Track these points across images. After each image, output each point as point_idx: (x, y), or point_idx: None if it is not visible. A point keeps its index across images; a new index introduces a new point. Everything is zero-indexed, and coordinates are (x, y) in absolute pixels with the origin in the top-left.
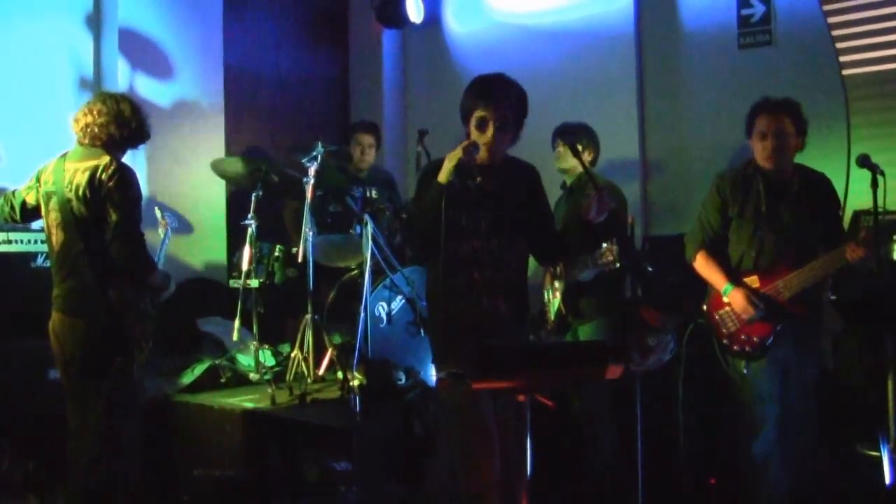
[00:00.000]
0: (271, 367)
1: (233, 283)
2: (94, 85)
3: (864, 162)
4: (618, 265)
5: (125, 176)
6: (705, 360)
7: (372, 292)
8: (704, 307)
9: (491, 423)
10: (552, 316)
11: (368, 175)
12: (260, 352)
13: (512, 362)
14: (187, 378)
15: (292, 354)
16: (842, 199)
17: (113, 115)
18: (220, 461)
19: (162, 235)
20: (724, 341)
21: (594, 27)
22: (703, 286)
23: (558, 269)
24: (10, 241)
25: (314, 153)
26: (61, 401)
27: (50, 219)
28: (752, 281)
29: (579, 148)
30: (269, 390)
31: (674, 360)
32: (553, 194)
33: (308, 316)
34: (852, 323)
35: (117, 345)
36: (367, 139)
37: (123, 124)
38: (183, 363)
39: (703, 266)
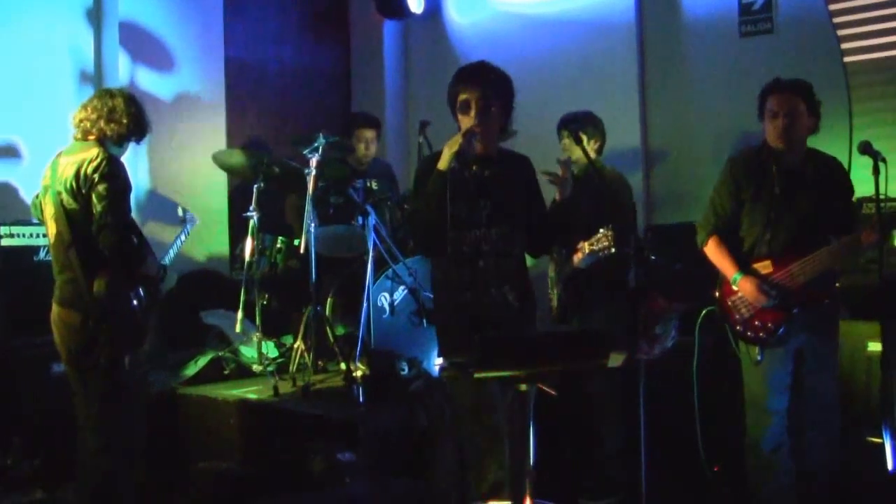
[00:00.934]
0: (274, 359)
1: (235, 275)
2: (96, 79)
3: (866, 149)
4: (613, 251)
5: (110, 168)
6: (716, 347)
7: (374, 283)
8: (717, 293)
9: (500, 422)
10: (555, 304)
11: (369, 168)
12: (263, 343)
13: (513, 352)
14: (191, 370)
15: (295, 346)
16: None
17: (106, 110)
18: (223, 453)
19: (178, 233)
20: (738, 328)
21: (595, 16)
22: (706, 274)
23: (561, 256)
24: (12, 235)
25: (316, 145)
26: (67, 394)
27: (46, 212)
28: (766, 266)
29: (584, 137)
30: (273, 381)
31: (687, 347)
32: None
33: (311, 307)
34: (857, 312)
35: (106, 337)
36: (369, 133)
37: (114, 119)
38: (186, 355)
39: (714, 252)
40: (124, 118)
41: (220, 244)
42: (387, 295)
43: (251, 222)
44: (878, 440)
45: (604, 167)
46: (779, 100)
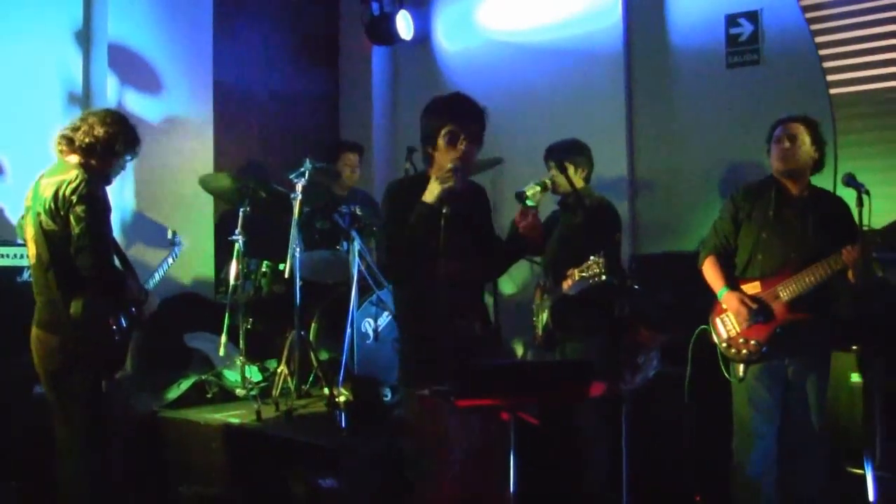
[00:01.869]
0: (258, 383)
1: (220, 299)
2: (84, 100)
3: (850, 181)
4: (604, 278)
5: (88, 189)
6: (711, 369)
7: (359, 308)
8: (711, 315)
9: (458, 459)
10: (540, 331)
11: (348, 194)
12: (246, 367)
13: (496, 381)
14: (173, 393)
15: (278, 370)
16: None
17: (85, 126)
18: (205, 477)
19: (165, 256)
20: (723, 345)
21: (584, 45)
22: (692, 304)
23: (548, 284)
24: None
25: (302, 169)
26: (48, 417)
27: (27, 234)
28: (754, 286)
29: (570, 166)
30: (256, 406)
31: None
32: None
33: (295, 332)
34: (841, 342)
35: (85, 360)
36: (353, 157)
37: (93, 135)
38: (169, 378)
39: (708, 269)
40: (103, 133)
41: (205, 267)
42: (371, 321)
43: (236, 246)
44: (860, 471)
45: (592, 195)
46: (784, 127)
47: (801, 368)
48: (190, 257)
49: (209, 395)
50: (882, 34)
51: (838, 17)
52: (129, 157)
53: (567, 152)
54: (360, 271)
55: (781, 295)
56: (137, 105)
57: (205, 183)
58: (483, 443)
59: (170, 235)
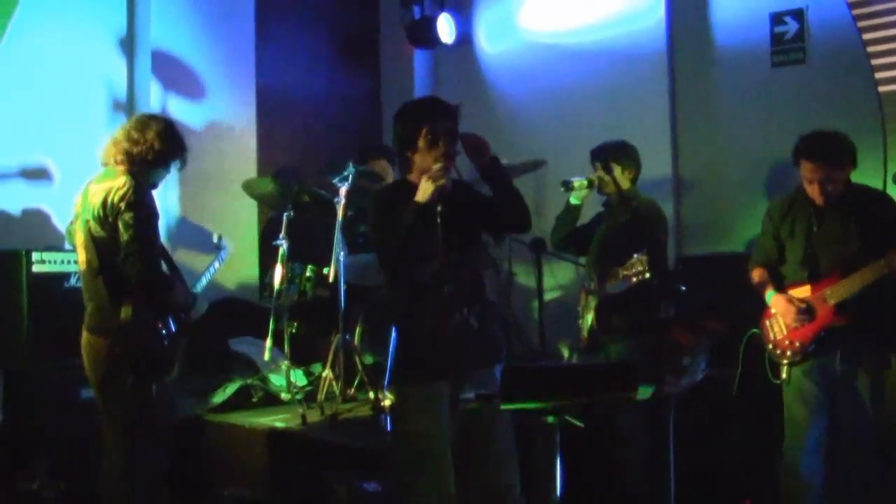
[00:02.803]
0: (303, 387)
1: (265, 303)
2: (128, 107)
3: None
4: (647, 276)
5: (136, 196)
6: (761, 373)
7: None
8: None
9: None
10: (585, 333)
11: None
12: (291, 371)
13: (541, 383)
14: (219, 397)
15: (323, 374)
16: None
17: (134, 134)
18: (250, 481)
19: (212, 260)
20: (770, 346)
21: (626, 46)
22: (737, 305)
23: (593, 285)
24: (44, 262)
25: (345, 173)
26: (94, 419)
27: (77, 240)
28: (804, 290)
29: (616, 167)
30: (301, 410)
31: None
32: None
33: (339, 336)
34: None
35: (133, 364)
36: (382, 164)
37: (139, 142)
38: (215, 383)
39: (757, 279)
40: (150, 139)
41: (249, 272)
42: None
43: (281, 250)
44: None
45: (639, 196)
46: (812, 167)
47: (850, 368)
48: (235, 262)
49: (254, 400)
50: None
51: (886, 12)
52: (179, 167)
53: (613, 153)
54: None
55: (829, 298)
56: (181, 111)
57: (248, 188)
58: (478, 439)
59: (216, 239)
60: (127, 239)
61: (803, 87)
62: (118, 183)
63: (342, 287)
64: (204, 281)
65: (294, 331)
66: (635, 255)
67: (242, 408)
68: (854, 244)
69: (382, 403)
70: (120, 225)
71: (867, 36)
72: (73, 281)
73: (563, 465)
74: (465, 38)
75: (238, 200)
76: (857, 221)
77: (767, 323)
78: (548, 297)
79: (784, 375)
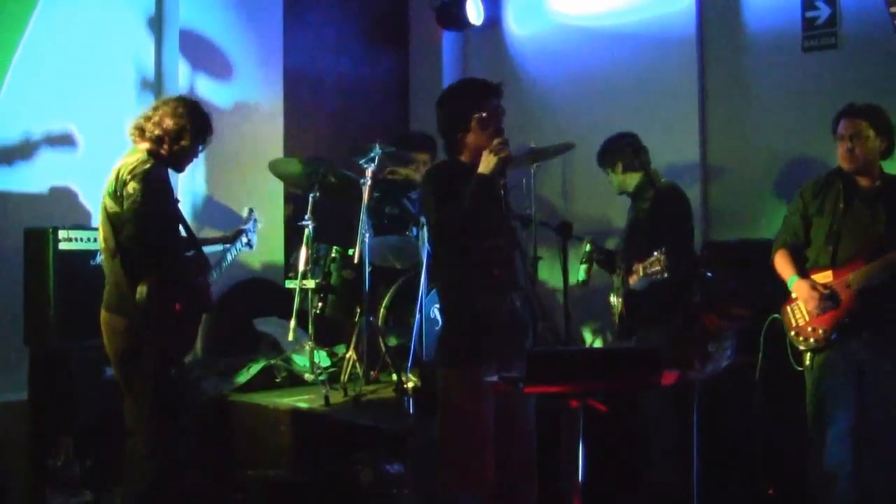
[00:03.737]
0: (326, 368)
1: (289, 284)
2: (156, 86)
3: None
4: (666, 275)
5: (143, 169)
6: (783, 359)
7: (427, 294)
8: (783, 305)
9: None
10: (616, 319)
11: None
12: (315, 352)
13: (565, 367)
14: (243, 377)
15: (347, 355)
16: None
17: (155, 118)
18: (273, 461)
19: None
20: (792, 333)
21: (656, 29)
22: (763, 292)
23: (621, 270)
24: (70, 239)
25: (371, 154)
26: (118, 398)
27: (100, 218)
28: (826, 276)
29: (618, 163)
30: (324, 391)
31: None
32: (619, 203)
33: (363, 317)
34: None
35: (151, 343)
36: (424, 157)
37: (150, 120)
38: (239, 363)
39: (779, 262)
40: (171, 125)
41: (275, 253)
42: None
43: (306, 231)
44: None
45: (660, 179)
46: (846, 123)
47: (873, 357)
48: (260, 242)
49: (278, 380)
50: None
51: None
52: (200, 147)
53: (610, 154)
54: (429, 256)
55: (852, 284)
56: (208, 91)
57: (275, 168)
58: (519, 427)
59: (245, 213)
60: (127, 205)
61: (835, 73)
62: (133, 159)
63: (367, 268)
64: (234, 251)
65: (318, 311)
66: (655, 253)
67: (266, 388)
68: (880, 229)
69: (405, 385)
70: (124, 195)
71: None
72: (98, 259)
73: (587, 449)
74: (493, 20)
75: (265, 181)
76: (888, 208)
77: (789, 309)
78: (573, 281)
79: (807, 362)
